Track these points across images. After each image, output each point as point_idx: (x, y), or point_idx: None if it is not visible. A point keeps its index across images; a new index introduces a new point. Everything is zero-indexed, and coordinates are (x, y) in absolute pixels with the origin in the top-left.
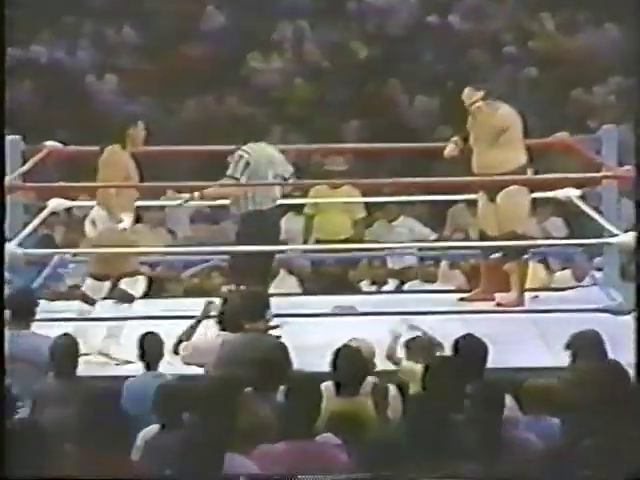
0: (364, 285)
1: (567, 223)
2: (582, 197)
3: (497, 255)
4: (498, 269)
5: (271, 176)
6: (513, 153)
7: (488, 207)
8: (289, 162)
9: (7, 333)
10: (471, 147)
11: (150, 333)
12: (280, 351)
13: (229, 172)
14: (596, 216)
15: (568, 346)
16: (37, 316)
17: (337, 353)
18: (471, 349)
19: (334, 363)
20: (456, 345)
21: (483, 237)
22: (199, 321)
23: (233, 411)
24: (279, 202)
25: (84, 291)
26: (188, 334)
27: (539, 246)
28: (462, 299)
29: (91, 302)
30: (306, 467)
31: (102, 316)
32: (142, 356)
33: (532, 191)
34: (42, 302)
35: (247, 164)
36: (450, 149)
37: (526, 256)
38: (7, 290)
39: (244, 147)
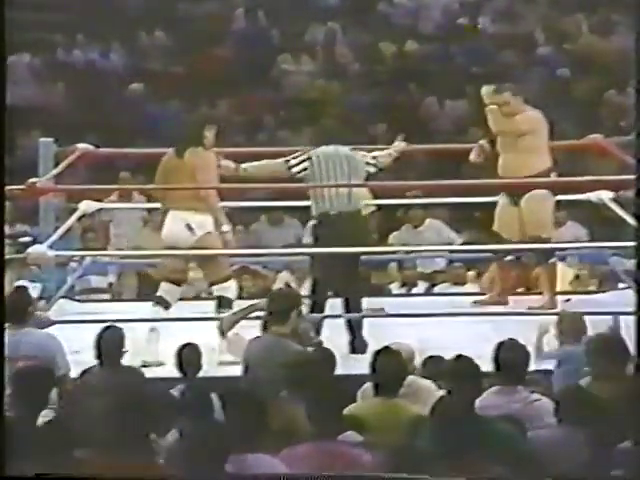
0: (394, 287)
1: (589, 226)
2: (615, 199)
3: (510, 258)
4: (512, 272)
5: (345, 179)
6: (538, 156)
7: (509, 210)
8: (368, 161)
9: (7, 333)
10: (497, 151)
11: (189, 344)
12: (301, 356)
13: (289, 159)
14: (629, 218)
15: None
16: (67, 317)
17: (376, 355)
18: (512, 354)
19: (373, 365)
20: (497, 350)
21: (498, 240)
22: (246, 313)
23: (260, 413)
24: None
25: (159, 294)
26: (232, 321)
27: (566, 249)
28: (476, 302)
29: (165, 305)
30: (331, 467)
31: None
32: (180, 366)
33: (555, 194)
34: (72, 304)
35: (304, 170)
36: (475, 154)
37: (553, 259)
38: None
39: (314, 151)
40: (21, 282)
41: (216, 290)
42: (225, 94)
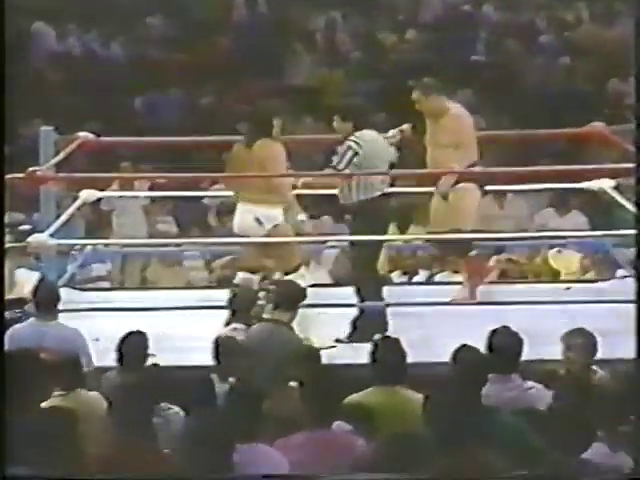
0: (395, 276)
1: (589, 216)
2: (616, 188)
3: (474, 252)
4: (479, 265)
5: (379, 166)
6: (464, 151)
7: (441, 205)
8: (393, 148)
9: (33, 324)
10: (425, 145)
11: (135, 332)
12: (299, 343)
13: (334, 163)
14: (630, 207)
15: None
16: (68, 306)
17: (376, 344)
18: (506, 342)
19: (373, 354)
20: (491, 337)
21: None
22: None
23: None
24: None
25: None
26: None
27: (562, 238)
28: (451, 301)
29: None
30: (326, 456)
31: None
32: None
33: (482, 187)
34: (72, 292)
35: (355, 155)
36: (392, 134)
37: (474, 252)
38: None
39: (353, 137)
40: (21, 271)
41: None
42: (226, 82)
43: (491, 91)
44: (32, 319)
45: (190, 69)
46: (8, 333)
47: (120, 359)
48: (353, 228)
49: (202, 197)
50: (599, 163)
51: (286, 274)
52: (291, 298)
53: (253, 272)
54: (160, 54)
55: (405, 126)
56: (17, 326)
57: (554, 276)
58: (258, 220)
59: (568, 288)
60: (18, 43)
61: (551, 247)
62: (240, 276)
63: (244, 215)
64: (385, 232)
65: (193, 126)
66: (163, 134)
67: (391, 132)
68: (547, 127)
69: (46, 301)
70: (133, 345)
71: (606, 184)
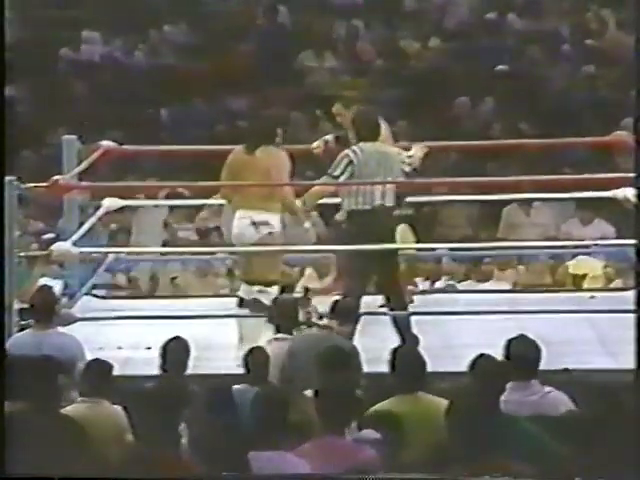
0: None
1: (615, 225)
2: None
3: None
4: None
5: (382, 177)
6: None
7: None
8: (404, 160)
9: (32, 332)
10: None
11: (176, 338)
12: (346, 351)
13: (330, 170)
14: None
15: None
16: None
17: (395, 352)
18: (524, 350)
19: (392, 362)
20: (508, 346)
21: None
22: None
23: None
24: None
25: (240, 296)
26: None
27: (584, 247)
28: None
29: (261, 308)
30: (337, 464)
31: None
32: (164, 363)
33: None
34: (95, 300)
35: (350, 163)
36: (316, 145)
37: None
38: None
39: (354, 146)
40: (45, 279)
41: (255, 291)
42: (247, 91)
43: (515, 99)
44: (31, 328)
45: (212, 78)
46: (9, 342)
47: (163, 366)
48: (339, 237)
49: (222, 205)
50: (623, 172)
51: (252, 283)
52: (348, 312)
53: (250, 283)
54: (182, 63)
55: (329, 137)
56: (17, 335)
57: (578, 285)
58: (254, 224)
59: (592, 297)
60: (42, 52)
61: (574, 256)
62: (243, 288)
63: (241, 221)
64: (377, 242)
65: (215, 135)
66: (185, 143)
67: (315, 143)
68: (571, 136)
69: (44, 309)
70: (175, 351)
71: (630, 193)
